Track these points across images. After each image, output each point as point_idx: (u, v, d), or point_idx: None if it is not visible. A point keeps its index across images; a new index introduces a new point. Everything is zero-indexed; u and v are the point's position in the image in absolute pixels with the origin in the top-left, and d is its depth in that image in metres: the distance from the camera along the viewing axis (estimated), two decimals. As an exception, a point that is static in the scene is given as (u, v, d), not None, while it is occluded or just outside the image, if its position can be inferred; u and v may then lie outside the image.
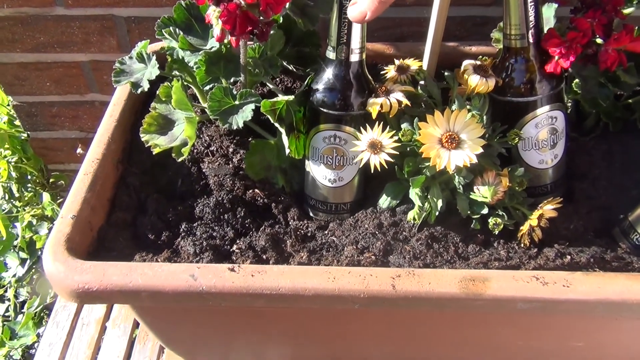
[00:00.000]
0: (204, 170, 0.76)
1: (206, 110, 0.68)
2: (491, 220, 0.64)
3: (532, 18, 0.64)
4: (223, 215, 0.70)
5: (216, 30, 0.57)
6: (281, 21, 0.74)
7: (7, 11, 0.98)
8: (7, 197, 1.22)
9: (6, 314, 1.35)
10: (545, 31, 0.66)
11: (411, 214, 0.66)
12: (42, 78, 1.08)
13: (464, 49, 0.88)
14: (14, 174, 1.21)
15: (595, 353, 0.72)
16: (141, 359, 0.90)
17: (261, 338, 0.75)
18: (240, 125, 0.66)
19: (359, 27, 0.62)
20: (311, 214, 0.73)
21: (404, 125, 0.65)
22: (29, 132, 1.18)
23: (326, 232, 0.69)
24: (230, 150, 0.77)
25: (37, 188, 1.23)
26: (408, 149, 0.65)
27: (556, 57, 0.64)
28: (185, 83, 0.75)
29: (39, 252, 1.29)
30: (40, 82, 1.09)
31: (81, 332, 0.95)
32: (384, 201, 0.69)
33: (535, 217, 0.63)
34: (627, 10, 0.68)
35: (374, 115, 0.64)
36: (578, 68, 0.70)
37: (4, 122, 1.20)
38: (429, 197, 0.65)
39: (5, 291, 1.38)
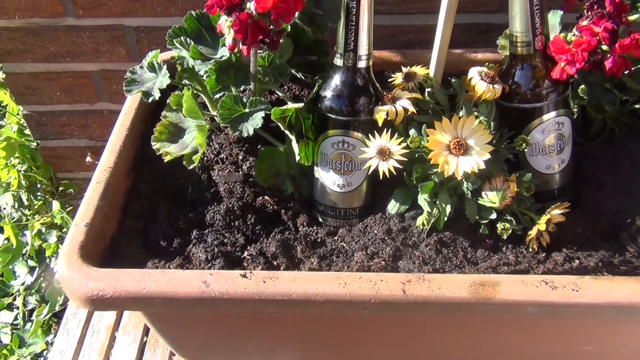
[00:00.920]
0: (214, 177, 0.77)
1: (216, 118, 0.69)
2: (500, 225, 0.64)
3: (538, 25, 0.65)
4: (234, 222, 0.71)
5: (228, 39, 0.58)
6: (289, 30, 0.75)
7: (19, 22, 0.99)
8: (16, 206, 1.23)
9: (15, 322, 1.36)
10: (551, 38, 0.67)
11: (420, 220, 0.66)
12: (52, 87, 1.09)
13: (470, 55, 0.89)
14: (23, 183, 1.22)
15: (604, 357, 0.72)
16: (152, 366, 0.91)
17: (271, 344, 0.76)
18: (251, 132, 0.67)
19: (365, 33, 0.63)
20: (320, 220, 0.74)
21: (412, 132, 0.66)
22: (38, 141, 1.20)
23: (336, 237, 0.70)
24: (240, 157, 0.78)
25: (47, 196, 1.24)
26: (416, 155, 0.66)
27: (562, 64, 0.64)
28: (195, 92, 0.76)
29: (48, 260, 1.30)
30: (50, 91, 1.10)
31: (92, 340, 0.95)
32: (393, 207, 0.70)
33: (544, 222, 0.64)
34: (632, 17, 0.69)
35: (380, 123, 0.65)
36: (584, 74, 0.70)
37: (14, 132, 1.22)
38: (437, 202, 0.66)
39: (14, 299, 1.39)
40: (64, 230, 1.26)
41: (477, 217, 0.66)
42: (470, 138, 0.62)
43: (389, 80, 0.75)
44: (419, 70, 0.73)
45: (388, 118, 0.65)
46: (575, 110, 0.79)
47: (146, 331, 0.96)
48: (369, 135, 0.66)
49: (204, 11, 0.71)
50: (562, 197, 0.71)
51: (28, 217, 1.25)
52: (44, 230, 1.27)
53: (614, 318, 0.60)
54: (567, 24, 0.75)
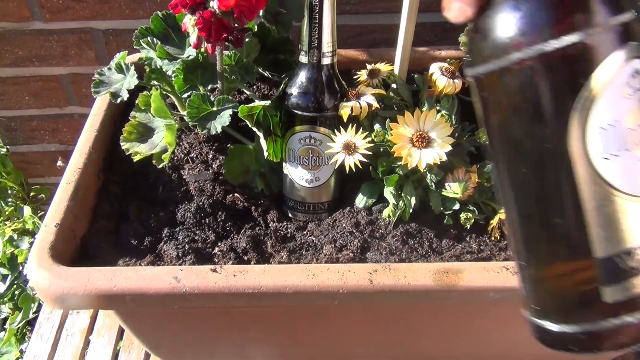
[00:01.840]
0: (184, 176, 0.77)
1: (185, 117, 0.70)
2: (462, 215, 0.67)
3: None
4: (204, 219, 0.72)
5: (192, 37, 0.59)
6: (256, 29, 0.76)
7: (-15, 27, 0.99)
8: (-13, 213, 1.22)
9: (-12, 331, 1.35)
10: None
11: (386, 212, 0.68)
12: (21, 92, 1.09)
13: (434, 53, 0.91)
14: (-7, 189, 1.21)
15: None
16: (127, 367, 0.91)
17: (246, 339, 0.76)
18: (219, 130, 0.68)
19: (329, 31, 0.65)
20: (290, 215, 0.75)
21: (377, 127, 0.68)
22: (8, 147, 1.19)
23: (305, 232, 0.71)
24: (210, 156, 0.78)
25: (18, 202, 1.23)
26: (381, 149, 0.67)
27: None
28: (164, 92, 0.77)
29: (21, 267, 1.28)
30: (19, 96, 1.09)
31: (66, 343, 0.95)
32: (360, 200, 0.72)
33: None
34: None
35: (344, 119, 0.67)
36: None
37: (-17, 138, 1.21)
38: (402, 195, 0.68)
39: (-13, 308, 1.37)
40: (36, 236, 1.25)
41: (441, 208, 0.68)
42: (432, 131, 0.64)
43: (354, 77, 0.76)
44: (383, 67, 0.74)
45: (353, 114, 0.67)
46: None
47: (121, 334, 0.96)
48: (335, 130, 0.68)
49: (170, 12, 0.72)
50: (523, 188, 0.74)
51: (-1, 223, 1.24)
52: (15, 237, 1.26)
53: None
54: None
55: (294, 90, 0.69)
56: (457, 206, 0.67)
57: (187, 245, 0.68)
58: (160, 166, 0.71)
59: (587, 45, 0.31)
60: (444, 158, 0.62)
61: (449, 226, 0.69)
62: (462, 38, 0.83)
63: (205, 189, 0.75)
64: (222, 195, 0.74)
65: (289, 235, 0.71)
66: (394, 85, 0.73)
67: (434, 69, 0.68)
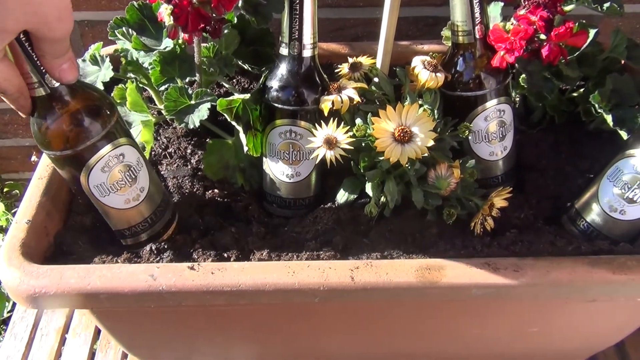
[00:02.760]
0: (162, 172, 0.76)
1: (162, 111, 0.68)
2: (445, 211, 0.66)
3: (477, 14, 0.67)
4: (183, 216, 0.70)
5: (168, 27, 0.58)
6: (236, 21, 0.74)
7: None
8: (-41, 209, 1.19)
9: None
10: (491, 27, 0.68)
11: (368, 208, 0.67)
12: (-7, 85, 1.06)
13: (416, 47, 0.90)
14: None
15: (549, 337, 0.75)
16: (103, 367, 0.89)
17: (224, 338, 0.75)
18: (197, 124, 0.66)
19: (310, 22, 0.63)
20: (271, 211, 0.74)
21: (358, 121, 0.67)
22: (-20, 142, 1.16)
23: (286, 228, 0.70)
24: (189, 151, 0.77)
25: (-9, 198, 1.20)
26: (363, 144, 0.66)
27: (502, 52, 0.66)
28: (141, 85, 0.75)
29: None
30: (-9, 89, 1.06)
31: (40, 343, 0.93)
32: (342, 196, 0.70)
33: (487, 207, 0.65)
34: (567, 7, 0.72)
35: (325, 113, 0.66)
36: (523, 63, 0.73)
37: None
38: (384, 190, 0.67)
39: (-41, 307, 1.34)
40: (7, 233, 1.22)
41: (423, 204, 0.67)
42: (415, 126, 0.63)
43: (336, 71, 0.75)
44: (364, 60, 0.73)
45: (334, 108, 0.66)
46: (518, 99, 0.81)
47: (97, 333, 0.94)
48: (316, 124, 0.66)
49: (146, 1, 0.70)
50: (506, 183, 0.73)
51: (-29, 220, 1.20)
52: (-12, 234, 1.23)
53: (555, 297, 0.62)
54: (508, 16, 0.78)
55: (274, 83, 0.67)
56: (439, 202, 0.66)
57: (165, 243, 0.66)
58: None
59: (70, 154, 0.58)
60: (427, 153, 0.62)
61: (432, 222, 0.68)
62: (445, 32, 0.82)
63: (183, 186, 0.73)
64: (202, 192, 0.73)
65: (269, 231, 0.69)
66: (376, 79, 0.72)
67: (416, 62, 0.67)
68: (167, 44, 0.69)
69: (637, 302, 0.67)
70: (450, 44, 0.74)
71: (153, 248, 0.65)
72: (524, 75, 0.76)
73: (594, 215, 0.67)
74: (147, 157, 0.68)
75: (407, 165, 0.64)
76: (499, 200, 0.66)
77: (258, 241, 0.67)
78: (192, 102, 0.67)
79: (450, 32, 0.70)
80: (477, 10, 0.66)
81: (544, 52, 0.65)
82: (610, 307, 0.69)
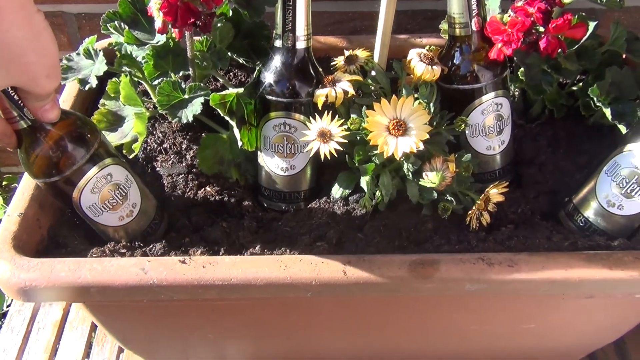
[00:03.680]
0: (157, 168, 0.75)
1: (158, 106, 0.68)
2: (440, 205, 0.65)
3: (474, 6, 0.66)
4: (178, 210, 0.70)
5: (158, 22, 0.57)
6: (231, 14, 0.74)
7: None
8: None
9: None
10: (488, 19, 0.67)
11: (362, 202, 0.66)
12: (-9, 78, 1.05)
13: (414, 40, 0.90)
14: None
15: (546, 334, 0.74)
16: (99, 361, 0.89)
17: (218, 333, 0.75)
18: (190, 119, 0.65)
19: (303, 13, 0.63)
20: (266, 205, 0.73)
21: (353, 114, 0.66)
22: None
23: (280, 222, 0.69)
24: (184, 146, 0.76)
25: (-11, 192, 1.20)
26: (358, 137, 0.66)
27: (499, 45, 0.65)
28: (136, 79, 0.74)
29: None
30: (-11, 82, 1.06)
31: (37, 336, 0.93)
32: (337, 191, 0.70)
33: (482, 201, 0.65)
34: (566, 0, 0.71)
35: (319, 106, 0.65)
36: (522, 56, 0.72)
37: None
38: (379, 184, 0.66)
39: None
40: None
41: (418, 198, 0.66)
42: (409, 119, 0.62)
43: (332, 63, 0.74)
44: (360, 53, 0.73)
45: (328, 101, 0.65)
46: (516, 93, 0.80)
47: (94, 326, 0.94)
48: (310, 117, 0.66)
49: (139, -6, 0.70)
50: (503, 178, 0.73)
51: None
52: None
53: (550, 293, 0.61)
54: (506, 8, 0.77)
55: (269, 76, 0.67)
56: (434, 196, 0.65)
57: (159, 237, 0.66)
58: (131, 156, 0.69)
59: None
60: (421, 147, 0.61)
61: (427, 217, 0.67)
62: (443, 25, 0.82)
63: (178, 184, 0.73)
64: (196, 188, 0.72)
65: (263, 226, 0.69)
66: (372, 72, 0.72)
67: (412, 55, 0.66)
68: (160, 38, 0.68)
69: (635, 299, 0.67)
70: (447, 38, 0.73)
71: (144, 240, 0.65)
72: (522, 69, 0.75)
73: (591, 210, 0.66)
74: (139, 151, 0.68)
75: (401, 159, 0.63)
76: (495, 194, 0.65)
77: (250, 235, 0.67)
78: (186, 96, 0.67)
79: (447, 24, 0.69)
80: (473, 2, 0.65)
81: (542, 44, 0.64)
82: (607, 303, 0.68)
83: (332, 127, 0.64)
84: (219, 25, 0.70)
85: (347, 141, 0.64)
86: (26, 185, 0.66)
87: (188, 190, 0.72)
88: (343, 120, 0.64)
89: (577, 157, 0.76)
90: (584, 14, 0.74)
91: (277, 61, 0.66)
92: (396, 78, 0.71)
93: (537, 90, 0.74)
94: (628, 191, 0.63)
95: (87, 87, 0.70)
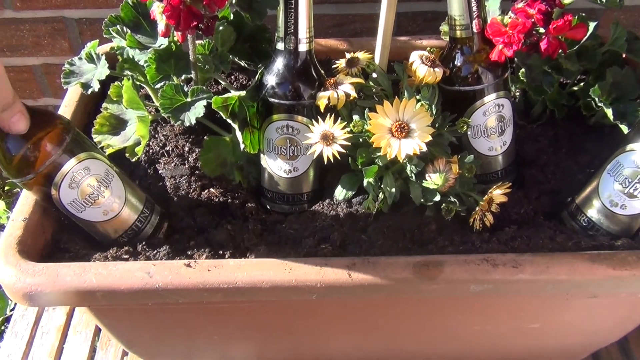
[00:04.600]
0: (160, 171, 0.75)
1: (160, 109, 0.68)
2: (444, 207, 0.65)
3: (474, 8, 0.66)
4: (181, 214, 0.70)
5: (160, 25, 0.58)
6: (232, 18, 0.74)
7: (-47, 16, 0.96)
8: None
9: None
10: (489, 21, 0.68)
11: (366, 204, 0.67)
12: (-8, 84, 1.06)
13: (415, 42, 0.90)
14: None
15: (550, 334, 0.74)
16: (104, 365, 0.89)
17: (224, 336, 0.75)
18: (193, 121, 0.66)
19: (305, 16, 0.63)
20: (269, 208, 0.73)
21: (355, 117, 0.66)
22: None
23: (284, 225, 0.69)
24: (186, 149, 0.76)
25: (-9, 197, 1.20)
26: (361, 140, 0.66)
27: (500, 46, 0.65)
28: (138, 83, 0.74)
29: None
30: (-10, 88, 1.06)
31: (41, 341, 0.93)
32: (340, 193, 0.70)
33: (486, 202, 0.65)
34: (566, 0, 0.71)
35: (322, 109, 0.65)
36: (522, 57, 0.72)
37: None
38: (382, 186, 0.66)
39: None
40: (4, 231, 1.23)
41: (422, 200, 0.66)
42: (412, 121, 0.62)
43: (333, 66, 0.75)
44: (362, 55, 0.73)
45: (330, 103, 0.65)
46: (517, 94, 0.80)
47: (98, 330, 0.94)
48: (313, 120, 0.66)
49: (141, -1, 0.70)
50: (506, 179, 0.73)
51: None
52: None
53: (554, 293, 0.61)
54: (507, 10, 0.77)
55: (271, 78, 0.67)
56: (438, 197, 0.65)
57: (162, 240, 0.66)
58: (133, 159, 0.69)
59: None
60: (424, 148, 0.61)
61: (430, 218, 0.67)
62: (444, 27, 0.82)
63: (181, 186, 0.73)
64: (199, 190, 0.72)
65: (267, 228, 0.69)
66: (373, 75, 0.72)
67: (414, 57, 0.66)
68: (162, 41, 0.68)
69: (638, 298, 0.67)
70: (448, 39, 0.73)
71: (148, 244, 0.65)
72: (523, 70, 0.75)
73: (594, 210, 0.67)
74: (141, 154, 0.68)
75: (404, 161, 0.63)
76: (498, 195, 0.65)
77: (254, 238, 0.67)
78: (188, 99, 0.67)
79: (448, 26, 0.69)
80: (474, 3, 0.65)
81: (543, 45, 0.64)
82: (611, 303, 0.69)
83: (334, 129, 0.64)
84: (220, 28, 0.70)
85: (350, 144, 0.64)
86: (30, 191, 0.66)
87: (192, 191, 0.72)
88: (345, 122, 0.65)
89: (579, 157, 0.76)
90: (583, 14, 0.74)
91: (279, 64, 0.66)
92: (397, 80, 0.72)
93: (539, 91, 0.74)
94: (631, 190, 0.63)
95: (89, 91, 0.70)
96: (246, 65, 0.74)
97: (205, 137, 0.75)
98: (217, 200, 0.72)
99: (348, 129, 0.64)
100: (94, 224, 0.64)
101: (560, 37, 0.65)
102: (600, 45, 0.76)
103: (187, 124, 0.66)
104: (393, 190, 0.66)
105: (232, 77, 0.87)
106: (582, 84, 0.77)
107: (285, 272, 0.59)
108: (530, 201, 0.72)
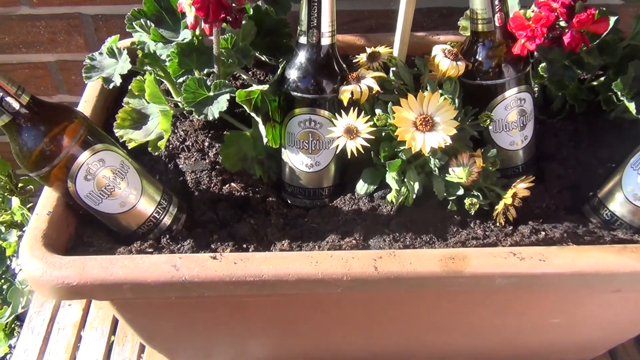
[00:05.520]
0: (180, 166, 0.75)
1: (180, 103, 0.68)
2: (467, 201, 0.65)
3: (497, 2, 0.66)
4: (202, 208, 0.70)
5: (189, 17, 0.58)
6: (252, 12, 0.74)
7: (-31, 12, 0.96)
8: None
9: (-27, 326, 1.32)
10: (510, 15, 0.68)
11: (389, 197, 0.67)
12: (7, 80, 1.06)
13: (432, 38, 0.90)
14: (-21, 180, 1.18)
15: (571, 328, 0.74)
16: (121, 361, 0.89)
17: (243, 331, 0.75)
18: (216, 115, 0.66)
19: (328, 10, 0.63)
20: (290, 202, 0.73)
21: (378, 111, 0.66)
22: (-6, 137, 1.16)
23: (306, 219, 0.69)
24: (206, 144, 0.76)
25: (5, 194, 1.20)
26: (383, 133, 0.66)
27: (522, 40, 0.65)
28: (158, 77, 0.75)
29: (8, 261, 1.26)
30: (5, 84, 1.07)
31: (57, 337, 0.93)
32: (362, 187, 0.70)
33: (510, 196, 0.65)
34: (588, -6, 0.71)
35: (345, 103, 0.65)
36: (544, 51, 0.72)
37: (-32, 128, 1.17)
38: (405, 180, 0.66)
39: (-27, 303, 1.34)
40: (25, 229, 1.23)
41: (445, 194, 0.66)
42: (436, 114, 0.63)
43: (354, 60, 0.75)
44: (382, 50, 0.73)
45: (353, 97, 0.65)
46: (537, 88, 0.80)
47: (114, 326, 0.94)
48: (336, 114, 0.66)
49: (164, -7, 0.70)
50: (526, 173, 0.73)
51: (-15, 216, 1.21)
52: (3, 229, 1.23)
53: (580, 287, 0.61)
54: (525, 5, 0.77)
55: (293, 72, 0.67)
56: (461, 191, 0.66)
57: (185, 234, 0.66)
58: (156, 153, 0.69)
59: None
60: (449, 142, 0.61)
61: (453, 212, 0.67)
62: (462, 22, 0.82)
63: (202, 180, 0.73)
64: (220, 185, 0.72)
65: (289, 222, 0.69)
66: (393, 69, 0.72)
67: (437, 51, 0.66)
68: (185, 35, 0.68)
69: (660, 293, 0.67)
70: (467, 34, 0.73)
71: (171, 238, 0.65)
72: (543, 64, 0.75)
73: (617, 204, 0.67)
74: (163, 147, 0.68)
75: (428, 155, 0.63)
76: (522, 189, 0.65)
77: (277, 232, 0.67)
78: (211, 93, 0.67)
79: (470, 20, 0.69)
80: (497, -3, 0.66)
81: (566, 39, 0.64)
82: (632, 298, 0.69)
83: (358, 123, 0.64)
84: (242, 22, 0.70)
85: (373, 137, 0.64)
86: (53, 184, 0.66)
87: (212, 185, 0.72)
88: (369, 116, 0.65)
89: (599, 152, 0.76)
90: (603, 8, 0.75)
91: (301, 57, 0.66)
92: (418, 75, 0.72)
93: (559, 86, 0.74)
94: (654, 184, 0.63)
95: (111, 86, 0.70)
96: (267, 60, 0.74)
97: (224, 132, 0.75)
98: (238, 194, 0.72)
99: (371, 123, 0.64)
100: (112, 215, 0.65)
101: (582, 31, 0.65)
102: (621, 39, 0.76)
103: (210, 118, 0.66)
104: (416, 184, 0.66)
105: (250, 72, 0.87)
106: (601, 78, 0.77)
107: (311, 265, 0.58)
108: (552, 195, 0.72)
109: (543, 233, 0.65)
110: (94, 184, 0.61)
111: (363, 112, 0.66)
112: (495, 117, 0.69)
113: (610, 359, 0.87)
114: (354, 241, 0.64)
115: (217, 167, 0.74)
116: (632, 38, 0.74)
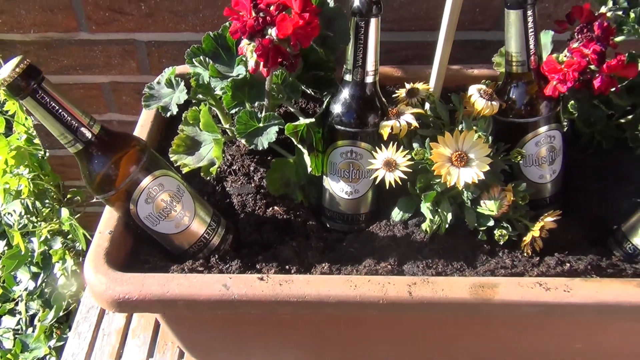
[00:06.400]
0: (227, 188, 0.81)
1: (228, 131, 0.73)
2: (497, 232, 0.69)
3: (532, 46, 0.70)
4: (248, 231, 0.75)
5: (251, 62, 0.63)
6: (299, 48, 0.79)
7: (33, 36, 1.03)
8: (24, 213, 1.26)
9: (16, 327, 1.39)
10: (543, 57, 0.72)
11: (424, 226, 0.71)
12: (62, 99, 1.13)
13: (466, 71, 0.94)
14: (32, 190, 1.25)
15: (592, 354, 0.77)
16: (162, 367, 0.94)
17: (279, 344, 0.80)
18: (265, 146, 0.71)
19: (373, 51, 0.68)
20: (328, 225, 0.78)
21: (416, 145, 0.71)
22: (47, 150, 1.23)
23: (344, 243, 0.74)
24: (252, 168, 0.82)
25: (54, 204, 1.27)
26: (419, 166, 0.70)
27: (554, 82, 0.69)
28: (209, 106, 0.80)
29: (53, 267, 1.32)
30: (60, 102, 1.13)
31: (102, 343, 0.99)
32: (397, 214, 0.75)
33: (537, 229, 0.69)
34: (618, 39, 0.74)
35: (385, 137, 0.70)
36: (573, 91, 0.76)
37: (23, 141, 1.25)
38: (439, 210, 0.71)
39: (16, 305, 1.41)
40: (69, 237, 1.29)
41: (475, 224, 0.71)
42: (471, 151, 0.67)
43: (393, 96, 0.79)
44: (421, 86, 0.77)
45: (393, 132, 0.70)
46: (566, 123, 0.84)
47: (155, 334, 1.00)
48: (375, 146, 0.71)
49: (221, 32, 0.75)
50: (553, 205, 0.76)
51: (35, 224, 1.28)
52: (49, 237, 1.30)
53: (602, 317, 0.65)
54: (558, 42, 0.81)
55: (338, 107, 0.72)
56: (491, 223, 0.70)
57: (232, 254, 0.71)
58: (207, 178, 0.75)
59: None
60: (482, 177, 0.65)
61: (483, 242, 0.71)
62: (496, 59, 0.86)
63: (247, 203, 0.78)
64: (264, 208, 0.77)
65: (329, 246, 0.74)
66: (428, 104, 0.76)
67: (473, 91, 0.71)
68: (240, 71, 0.74)
69: (681, 324, 0.70)
70: (501, 70, 0.78)
71: (220, 257, 0.71)
72: (572, 102, 0.79)
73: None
74: (215, 173, 0.73)
75: (462, 188, 0.67)
76: (550, 222, 0.69)
77: (317, 255, 0.72)
78: (261, 124, 0.72)
79: (505, 61, 0.73)
80: (531, 42, 0.70)
81: (596, 83, 0.68)
82: (654, 327, 0.72)
83: (397, 157, 0.69)
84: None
85: (411, 170, 0.68)
86: (114, 205, 0.72)
87: (257, 208, 0.77)
88: (407, 150, 0.69)
89: (625, 186, 0.79)
90: (633, 51, 0.78)
91: (346, 94, 0.71)
92: (453, 109, 0.76)
93: (587, 123, 0.78)
94: (677, 222, 0.66)
95: (168, 114, 0.76)
96: (312, 93, 0.79)
97: (269, 158, 0.80)
98: (280, 217, 0.77)
99: (409, 157, 0.69)
100: (168, 236, 0.70)
101: (612, 75, 0.69)
102: (648, 81, 0.79)
103: (259, 148, 0.71)
104: (449, 214, 0.70)
105: (293, 101, 0.93)
106: (629, 116, 0.81)
107: (350, 288, 0.63)
108: (577, 227, 0.75)
109: (568, 264, 0.68)
110: (153, 207, 0.67)
111: (402, 146, 0.70)
112: (526, 153, 0.73)
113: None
114: (389, 266, 0.69)
115: (262, 190, 0.80)
116: (659, 80, 0.78)
